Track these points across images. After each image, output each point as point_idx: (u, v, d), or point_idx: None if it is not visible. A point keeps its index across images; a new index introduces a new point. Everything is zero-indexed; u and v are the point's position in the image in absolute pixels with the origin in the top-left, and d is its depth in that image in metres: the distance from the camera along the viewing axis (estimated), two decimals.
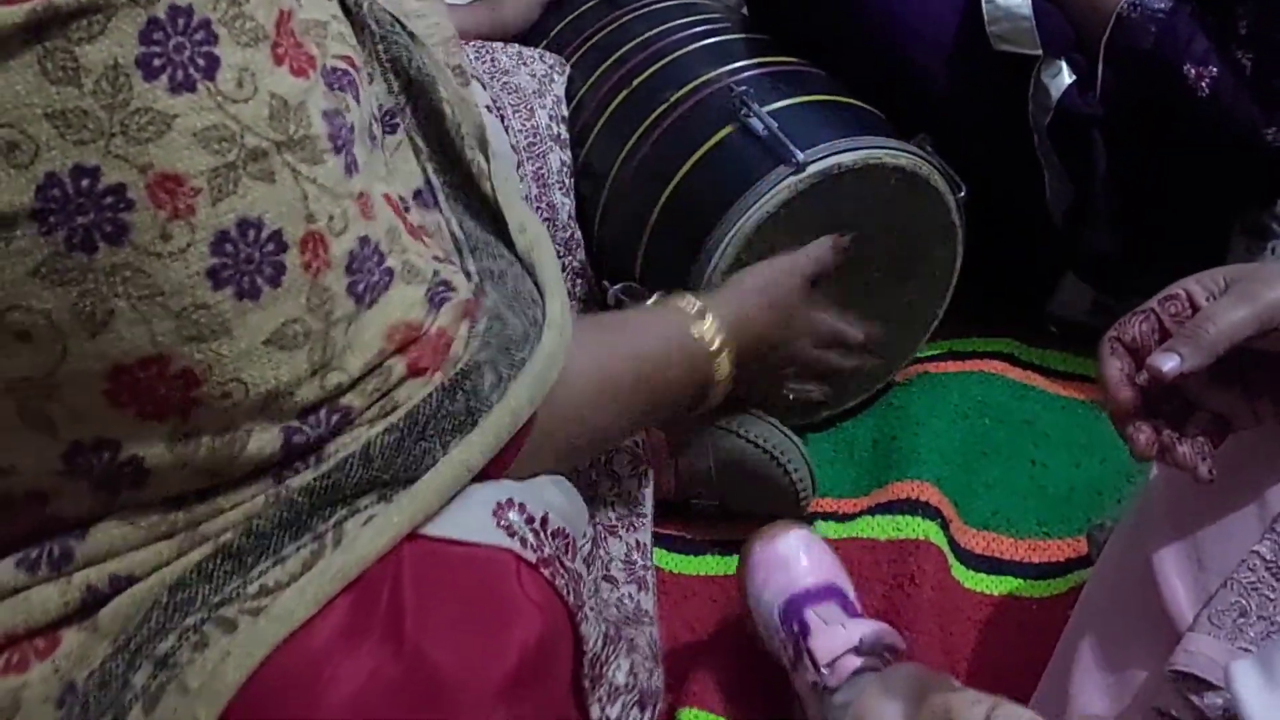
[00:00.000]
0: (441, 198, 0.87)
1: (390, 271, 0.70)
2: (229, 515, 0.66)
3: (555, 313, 0.80)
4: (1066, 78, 1.24)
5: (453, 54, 1.02)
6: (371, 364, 0.68)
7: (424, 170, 0.88)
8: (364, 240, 0.67)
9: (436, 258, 0.77)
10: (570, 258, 1.27)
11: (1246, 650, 0.73)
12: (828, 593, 1.02)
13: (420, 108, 0.88)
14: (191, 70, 0.58)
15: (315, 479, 0.67)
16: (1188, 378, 0.69)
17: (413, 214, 0.84)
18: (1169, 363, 0.68)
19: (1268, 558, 0.75)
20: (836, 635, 0.97)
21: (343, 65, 0.71)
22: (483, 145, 0.88)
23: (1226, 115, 1.18)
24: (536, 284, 0.83)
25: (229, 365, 0.62)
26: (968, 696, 0.69)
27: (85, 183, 0.56)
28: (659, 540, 1.16)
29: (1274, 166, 1.22)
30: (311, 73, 0.65)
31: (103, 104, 0.56)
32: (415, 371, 0.70)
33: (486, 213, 0.87)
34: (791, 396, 1.20)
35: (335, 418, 0.67)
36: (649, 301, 0.99)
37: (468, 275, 0.79)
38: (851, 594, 1.04)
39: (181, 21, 0.58)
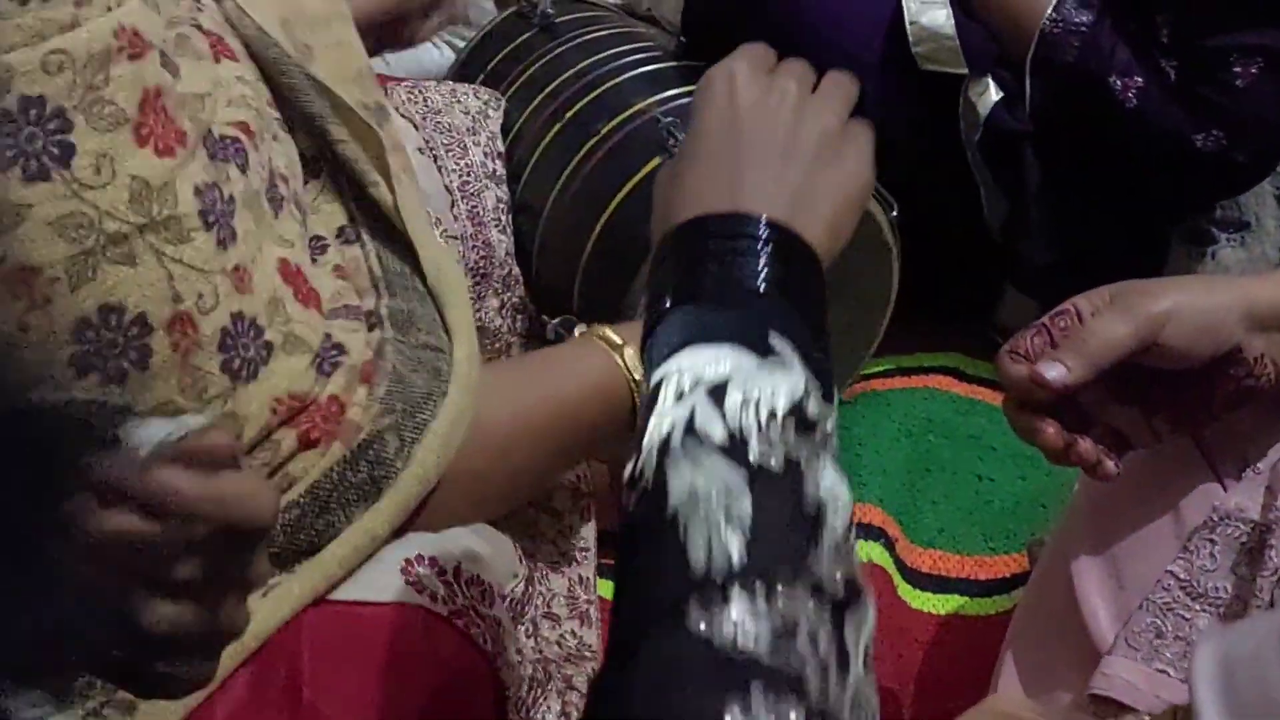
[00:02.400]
0: (364, 233, 0.87)
1: (269, 345, 0.69)
2: None
3: (461, 361, 0.78)
4: (993, 95, 1.25)
5: (367, 90, 1.01)
6: (256, 439, 0.68)
7: (347, 208, 0.88)
8: (237, 316, 0.67)
9: (340, 309, 0.76)
10: (509, 294, 1.27)
11: (1164, 671, 0.73)
12: None
13: (331, 153, 0.88)
14: (45, 159, 0.58)
15: None
16: (1080, 390, 0.70)
17: (331, 252, 0.84)
18: (1053, 371, 0.69)
19: (1182, 577, 0.75)
20: None
21: (233, 133, 0.71)
22: (386, 179, 0.87)
23: (1155, 124, 1.19)
24: (445, 325, 0.81)
25: None
26: None
27: None
28: (603, 571, 1.16)
29: (1205, 173, 1.22)
30: (179, 150, 0.64)
31: None
32: (307, 443, 0.70)
33: (402, 245, 0.86)
34: None
35: None
36: (575, 334, 0.98)
37: (375, 323, 0.78)
38: None
39: (34, 112, 0.58)
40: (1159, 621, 0.74)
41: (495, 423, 0.79)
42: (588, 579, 1.06)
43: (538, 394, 0.84)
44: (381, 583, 0.71)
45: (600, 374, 0.88)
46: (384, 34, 1.38)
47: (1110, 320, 0.69)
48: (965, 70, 1.22)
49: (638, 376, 0.88)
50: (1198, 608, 0.74)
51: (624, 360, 0.88)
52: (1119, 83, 1.19)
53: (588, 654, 1.01)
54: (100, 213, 0.60)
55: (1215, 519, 0.75)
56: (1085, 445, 0.72)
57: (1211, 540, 0.75)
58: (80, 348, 0.60)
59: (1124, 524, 0.80)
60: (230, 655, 0.65)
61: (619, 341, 0.89)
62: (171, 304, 0.63)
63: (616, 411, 0.89)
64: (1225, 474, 0.78)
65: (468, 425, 0.76)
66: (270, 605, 0.67)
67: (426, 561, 0.73)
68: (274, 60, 0.88)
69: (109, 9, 0.62)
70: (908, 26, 1.22)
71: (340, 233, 0.86)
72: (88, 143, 0.60)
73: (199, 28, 0.73)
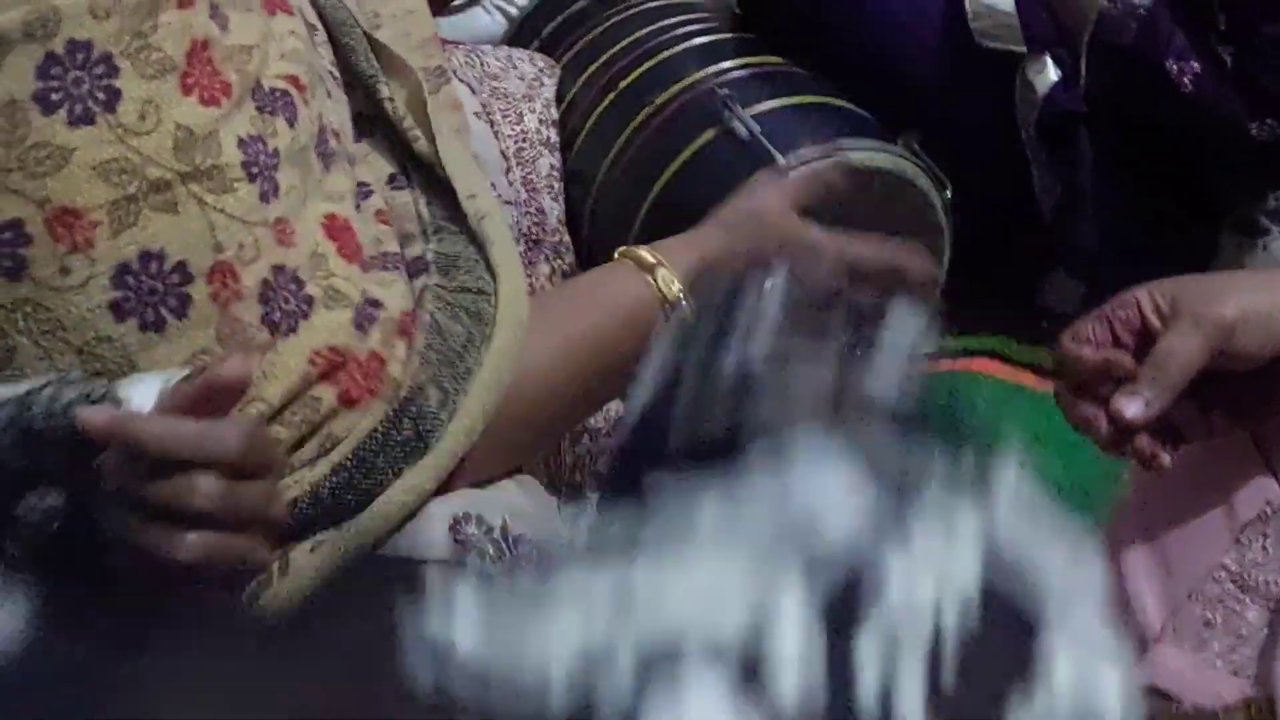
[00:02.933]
0: (415, 179, 0.87)
1: (310, 299, 0.69)
2: None
3: (507, 300, 0.77)
4: (1052, 74, 1.24)
5: (430, 55, 1.02)
6: (294, 391, 0.67)
7: (398, 160, 0.89)
8: (278, 269, 0.67)
9: (381, 257, 0.76)
10: (560, 261, 1.28)
11: (1212, 663, 0.74)
12: None
13: (382, 112, 0.89)
14: (91, 104, 0.59)
15: None
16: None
17: (375, 197, 0.83)
18: (1133, 408, 0.69)
19: (1233, 570, 0.75)
20: None
21: (283, 85, 0.71)
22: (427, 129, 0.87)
23: (1210, 110, 1.18)
24: (489, 265, 0.80)
25: None
26: None
27: None
28: None
29: (1260, 161, 1.22)
30: (224, 101, 0.65)
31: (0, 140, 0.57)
32: (347, 401, 0.70)
33: (449, 195, 0.86)
34: None
35: None
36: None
37: (421, 269, 0.78)
38: None
39: (81, 56, 0.59)
40: (1209, 613, 0.74)
41: (534, 369, 0.78)
42: None
43: (574, 334, 0.82)
44: (430, 540, 0.71)
45: (634, 299, 0.84)
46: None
47: (1181, 340, 0.69)
48: (1023, 48, 1.22)
49: (670, 296, 0.85)
50: (1248, 601, 0.74)
51: (656, 281, 0.85)
52: (1175, 67, 1.18)
53: None
54: (144, 159, 0.61)
55: (1269, 512, 0.75)
56: (1140, 437, 0.72)
57: (1265, 534, 0.75)
58: (120, 293, 0.61)
59: (1175, 514, 0.80)
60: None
61: (651, 261, 0.86)
62: (213, 253, 0.63)
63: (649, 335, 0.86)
64: None
65: (513, 370, 0.75)
66: (317, 561, 0.68)
67: (474, 520, 0.73)
68: (340, 21, 0.89)
69: None
70: (966, 3, 1.22)
71: (391, 179, 0.86)
72: (134, 89, 0.60)
73: None
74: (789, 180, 0.97)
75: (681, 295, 0.84)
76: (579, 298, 0.87)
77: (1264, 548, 0.74)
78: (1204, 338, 0.69)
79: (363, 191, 0.84)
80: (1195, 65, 1.17)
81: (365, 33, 0.90)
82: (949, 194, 1.23)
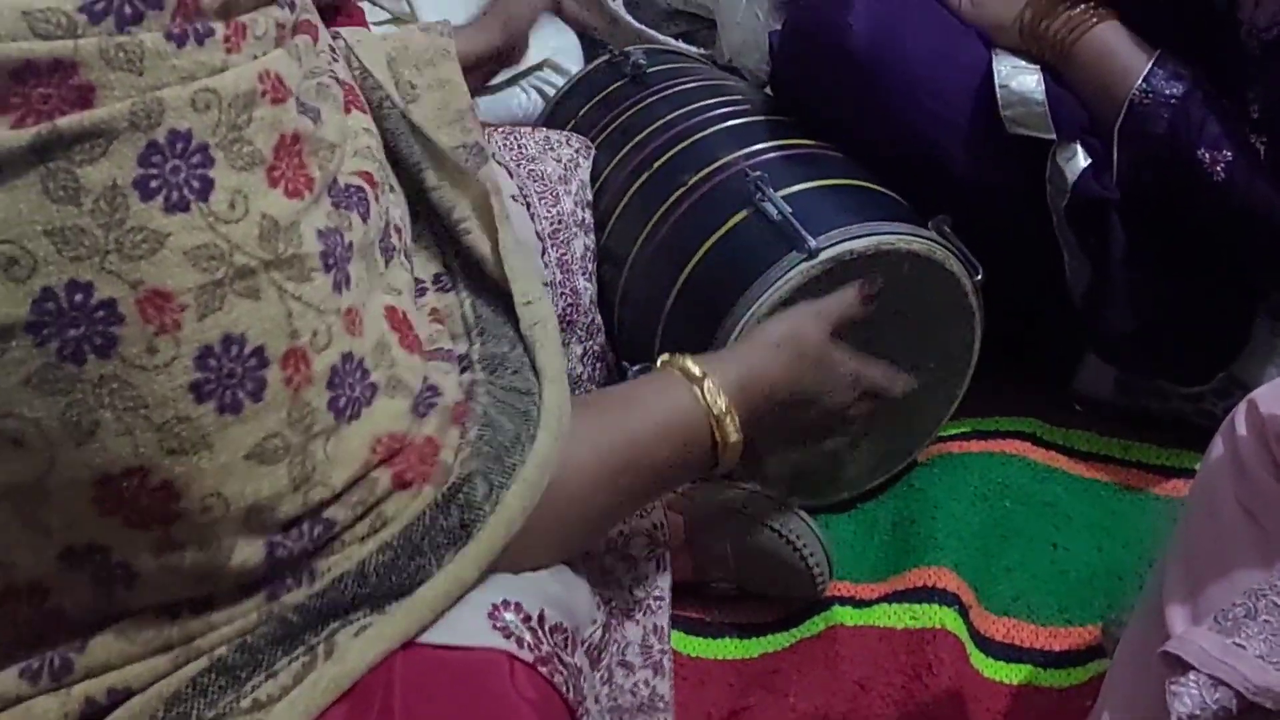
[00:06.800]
0: (459, 280, 0.89)
1: (374, 386, 0.71)
2: (223, 630, 0.67)
3: (551, 405, 0.79)
4: (1082, 161, 1.25)
5: (469, 130, 1.03)
6: (355, 476, 0.69)
7: (443, 254, 0.90)
8: (347, 356, 0.69)
9: (438, 352, 0.78)
10: (591, 341, 1.29)
11: (1240, 646, 0.72)
12: None
13: (425, 199, 0.91)
14: (186, 191, 0.61)
15: (309, 598, 0.68)
16: None
17: (430, 295, 0.86)
18: None
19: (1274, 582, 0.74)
20: None
21: (358, 182, 0.73)
22: (487, 223, 0.89)
23: (1243, 199, 1.18)
24: (535, 368, 0.83)
25: (208, 479, 0.63)
26: None
27: (79, 297, 0.58)
28: (677, 622, 1.16)
29: None
30: (307, 194, 0.67)
31: (100, 222, 0.58)
32: (401, 484, 0.71)
33: (495, 291, 0.88)
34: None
35: (318, 530, 0.68)
36: (654, 367, 0.96)
37: (467, 365, 0.80)
38: None
39: (180, 145, 0.60)
40: (1250, 603, 0.73)
41: (578, 469, 0.80)
42: (662, 628, 1.07)
43: (618, 437, 0.84)
44: (469, 627, 0.71)
45: (679, 410, 0.88)
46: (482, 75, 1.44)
47: None
48: (1053, 135, 1.22)
49: (716, 410, 0.89)
50: None
51: (703, 393, 0.89)
52: (1207, 156, 1.18)
53: (660, 705, 1.01)
54: (231, 246, 0.62)
55: None
56: None
57: None
58: (202, 374, 0.62)
59: (1230, 593, 0.79)
60: (325, 692, 0.67)
61: (698, 374, 0.90)
62: (288, 339, 0.65)
63: (694, 447, 0.89)
64: None
65: (553, 471, 0.77)
66: (361, 645, 0.69)
67: (513, 607, 0.73)
68: (377, 103, 0.91)
69: (255, 56, 0.64)
70: (997, 90, 1.23)
71: (436, 280, 0.89)
72: (226, 179, 0.62)
73: (336, 78, 0.75)
74: (825, 309, 1.03)
75: (723, 404, 0.88)
76: (625, 404, 0.90)
77: None
78: None
79: (418, 289, 0.86)
80: (1228, 154, 1.17)
81: (404, 113, 0.92)
82: (980, 278, 1.23)
